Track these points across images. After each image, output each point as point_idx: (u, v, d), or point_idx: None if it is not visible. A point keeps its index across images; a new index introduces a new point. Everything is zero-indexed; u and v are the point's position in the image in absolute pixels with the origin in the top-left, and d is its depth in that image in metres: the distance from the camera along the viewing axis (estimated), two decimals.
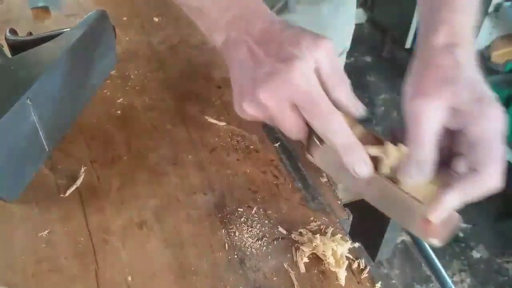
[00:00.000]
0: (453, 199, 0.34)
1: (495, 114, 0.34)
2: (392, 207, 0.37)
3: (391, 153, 0.36)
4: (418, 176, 0.35)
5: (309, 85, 0.35)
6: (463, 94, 0.34)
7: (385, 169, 0.37)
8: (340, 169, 0.37)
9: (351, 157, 0.35)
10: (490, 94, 0.35)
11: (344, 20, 0.86)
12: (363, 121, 0.38)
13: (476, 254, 1.72)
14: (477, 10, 0.41)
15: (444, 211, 0.34)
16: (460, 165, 0.36)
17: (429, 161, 0.35)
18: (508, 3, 1.84)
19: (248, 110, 0.37)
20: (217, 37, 0.42)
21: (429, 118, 0.34)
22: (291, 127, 0.37)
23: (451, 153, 0.37)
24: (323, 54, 0.36)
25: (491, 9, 1.88)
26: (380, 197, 0.37)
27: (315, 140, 0.38)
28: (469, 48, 0.38)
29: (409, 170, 0.35)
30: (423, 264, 1.64)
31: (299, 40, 0.36)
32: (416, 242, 0.80)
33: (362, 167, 0.35)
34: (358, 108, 0.37)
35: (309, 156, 0.42)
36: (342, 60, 0.96)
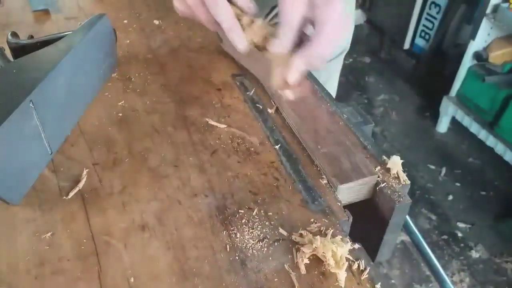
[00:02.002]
0: (299, 63, 0.46)
1: (336, 5, 0.45)
2: (262, 71, 0.51)
3: (258, 32, 0.49)
4: (282, 48, 0.47)
5: None
6: None
7: (258, 42, 0.49)
8: (235, 49, 0.49)
9: (231, 34, 0.48)
10: None
11: None
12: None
13: (475, 254, 1.73)
14: None
15: (295, 72, 0.47)
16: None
17: (291, 39, 0.47)
18: (505, 5, 1.85)
19: (178, 7, 0.51)
20: None
21: (293, 7, 0.46)
22: (204, 18, 0.49)
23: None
24: None
25: (489, 10, 1.89)
26: (255, 64, 0.52)
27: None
28: None
29: (276, 43, 0.47)
30: (422, 264, 1.65)
31: None
32: (415, 242, 0.80)
33: (238, 42, 0.48)
34: (249, 8, 0.50)
35: (222, 45, 0.56)
36: (340, 60, 0.97)
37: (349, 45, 0.95)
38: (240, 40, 0.48)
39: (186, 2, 0.49)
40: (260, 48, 0.48)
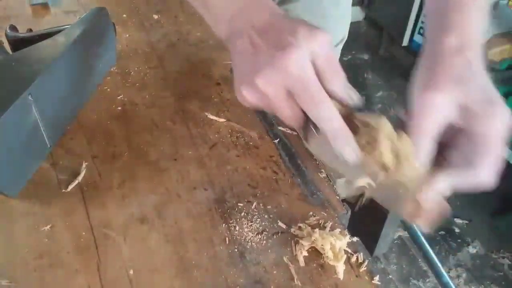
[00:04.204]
0: (444, 184, 0.35)
1: (503, 114, 0.35)
2: (383, 193, 0.38)
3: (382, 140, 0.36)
4: (418, 167, 0.36)
5: (303, 72, 0.36)
6: (475, 94, 0.35)
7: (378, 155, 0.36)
8: (333, 157, 0.37)
9: (339, 142, 0.36)
10: (499, 96, 0.36)
11: (343, 10, 0.89)
12: (360, 110, 0.39)
13: (472, 250, 1.73)
14: (487, 12, 0.42)
15: (433, 194, 0.35)
16: (453, 156, 0.37)
17: (427, 150, 0.36)
18: (504, 1, 1.85)
19: (248, 97, 0.38)
20: (221, 28, 0.43)
21: (437, 110, 0.35)
22: (288, 114, 0.38)
23: (444, 145, 0.38)
24: (319, 46, 0.36)
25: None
26: (364, 175, 0.38)
27: (312, 128, 0.39)
28: (479, 50, 0.38)
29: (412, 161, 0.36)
30: (419, 260, 1.66)
31: (297, 29, 0.37)
32: (413, 237, 0.80)
33: (349, 153, 0.36)
34: (352, 98, 0.38)
35: (306, 144, 0.42)
36: (339, 49, 0.98)
37: (347, 35, 0.95)
38: (352, 149, 0.36)
39: (263, 91, 0.36)
40: (383, 165, 0.36)
